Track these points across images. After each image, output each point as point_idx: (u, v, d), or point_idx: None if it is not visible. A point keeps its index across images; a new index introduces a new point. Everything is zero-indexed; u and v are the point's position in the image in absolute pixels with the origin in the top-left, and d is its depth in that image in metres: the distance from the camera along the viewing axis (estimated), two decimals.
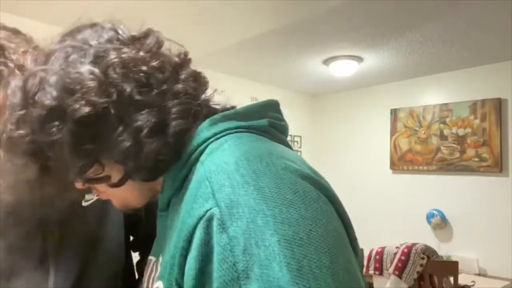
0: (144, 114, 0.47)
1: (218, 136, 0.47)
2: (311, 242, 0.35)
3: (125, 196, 0.56)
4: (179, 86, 0.50)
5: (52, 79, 0.47)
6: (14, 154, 0.50)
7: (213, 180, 0.41)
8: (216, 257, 0.37)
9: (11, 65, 0.61)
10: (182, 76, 0.52)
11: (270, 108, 0.54)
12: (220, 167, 0.41)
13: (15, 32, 0.69)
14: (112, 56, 0.47)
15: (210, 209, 0.39)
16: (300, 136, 4.73)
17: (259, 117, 0.51)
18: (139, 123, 0.46)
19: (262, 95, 4.28)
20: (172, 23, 2.66)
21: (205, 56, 3.36)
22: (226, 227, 0.37)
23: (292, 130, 5.08)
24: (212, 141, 0.47)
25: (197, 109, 0.51)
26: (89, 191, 0.59)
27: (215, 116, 0.49)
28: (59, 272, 0.70)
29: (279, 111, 0.55)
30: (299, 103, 4.77)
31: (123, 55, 0.48)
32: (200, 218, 0.39)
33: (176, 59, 0.53)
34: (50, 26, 2.57)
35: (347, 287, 0.35)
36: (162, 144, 0.48)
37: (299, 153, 4.69)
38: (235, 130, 0.48)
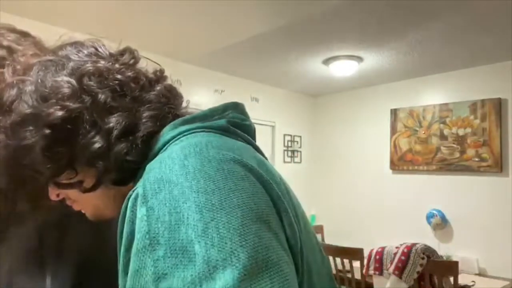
0: (116, 117, 0.49)
1: (176, 138, 0.50)
2: (223, 207, 0.37)
3: (98, 204, 0.56)
4: (152, 95, 0.53)
5: (30, 88, 0.49)
6: None
7: (148, 167, 0.44)
8: (136, 230, 0.39)
9: (19, 67, 0.61)
10: (157, 88, 0.55)
11: (232, 110, 0.55)
12: (159, 158, 0.45)
13: (24, 34, 0.68)
14: (88, 66, 0.51)
15: (137, 188, 0.42)
16: (300, 136, 4.73)
17: (218, 118, 0.53)
18: (111, 124, 0.49)
19: (262, 95, 4.28)
20: (172, 23, 2.67)
21: (205, 56, 3.37)
22: (146, 201, 0.39)
23: (292, 130, 5.09)
24: (171, 143, 0.49)
25: (167, 116, 0.54)
26: (63, 205, 0.59)
27: (176, 121, 0.52)
28: (55, 278, 0.70)
29: (243, 113, 0.57)
30: (299, 103, 4.77)
31: (98, 65, 0.51)
32: (128, 199, 0.42)
33: (152, 75, 0.56)
34: (50, 26, 2.57)
35: (255, 250, 0.35)
36: (130, 145, 0.50)
37: (299, 153, 4.69)
38: (193, 131, 0.50)
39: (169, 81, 0.58)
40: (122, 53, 0.56)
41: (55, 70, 0.51)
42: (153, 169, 0.42)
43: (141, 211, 0.39)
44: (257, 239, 0.36)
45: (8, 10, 2.34)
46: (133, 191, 0.42)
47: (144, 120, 0.51)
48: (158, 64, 0.58)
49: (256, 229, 0.37)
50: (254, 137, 0.57)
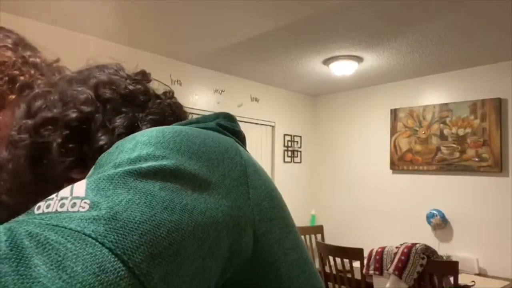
0: (121, 118, 0.57)
1: None
2: (156, 146, 0.41)
3: None
4: (158, 105, 0.60)
5: (54, 98, 0.58)
6: (14, 155, 0.58)
7: None
8: None
9: (45, 81, 0.71)
10: (166, 101, 0.62)
11: (223, 118, 0.59)
12: None
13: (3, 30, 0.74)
14: (103, 77, 0.59)
15: None
16: (300, 136, 4.73)
17: (209, 122, 0.57)
18: (116, 124, 0.56)
19: (262, 95, 4.28)
20: (172, 23, 2.67)
21: (205, 56, 3.37)
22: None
23: (292, 130, 5.09)
24: None
25: (167, 122, 0.59)
26: None
27: (171, 125, 0.56)
28: None
29: (233, 122, 0.60)
30: (299, 103, 4.77)
31: (112, 77, 0.60)
32: None
33: (162, 95, 0.63)
34: (50, 26, 2.57)
35: (174, 162, 0.38)
36: None
37: (299, 153, 4.69)
38: None
39: (177, 101, 0.65)
40: (137, 74, 0.64)
41: (76, 83, 0.59)
42: None
43: None
44: (185, 160, 0.39)
45: (8, 10, 2.35)
46: None
47: (144, 123, 0.57)
48: (168, 86, 0.66)
49: (186, 159, 0.39)
50: (243, 143, 0.59)
